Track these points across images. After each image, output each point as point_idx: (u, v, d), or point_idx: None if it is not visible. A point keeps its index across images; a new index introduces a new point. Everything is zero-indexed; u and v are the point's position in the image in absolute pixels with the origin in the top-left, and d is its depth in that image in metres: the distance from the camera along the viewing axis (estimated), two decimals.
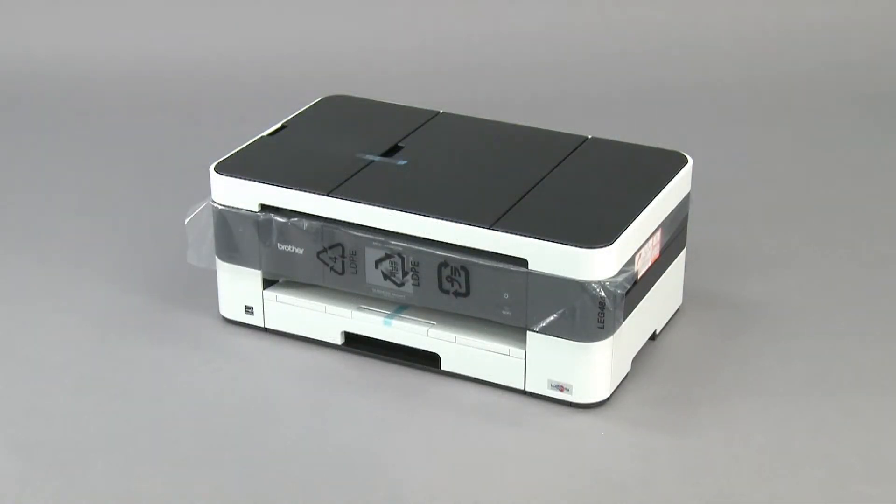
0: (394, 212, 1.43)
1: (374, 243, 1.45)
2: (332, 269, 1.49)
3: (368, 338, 1.52)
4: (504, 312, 1.42)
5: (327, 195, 1.47)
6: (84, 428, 1.41)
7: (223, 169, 1.53)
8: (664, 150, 1.58)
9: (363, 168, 1.52)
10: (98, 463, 1.36)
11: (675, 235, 1.53)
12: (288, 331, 1.56)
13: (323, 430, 1.41)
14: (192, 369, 1.51)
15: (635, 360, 1.50)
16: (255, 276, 1.54)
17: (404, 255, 1.44)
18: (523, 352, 1.44)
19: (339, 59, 2.31)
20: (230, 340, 1.56)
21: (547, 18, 2.38)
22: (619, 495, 1.32)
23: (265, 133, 1.61)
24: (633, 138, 1.68)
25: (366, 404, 1.45)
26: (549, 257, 1.38)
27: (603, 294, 1.37)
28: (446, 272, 1.43)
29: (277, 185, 1.49)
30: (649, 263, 1.47)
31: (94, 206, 1.88)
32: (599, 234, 1.38)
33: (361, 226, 1.46)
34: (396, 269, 1.45)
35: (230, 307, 1.58)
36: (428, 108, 1.69)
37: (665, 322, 1.57)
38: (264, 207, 1.50)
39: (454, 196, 1.46)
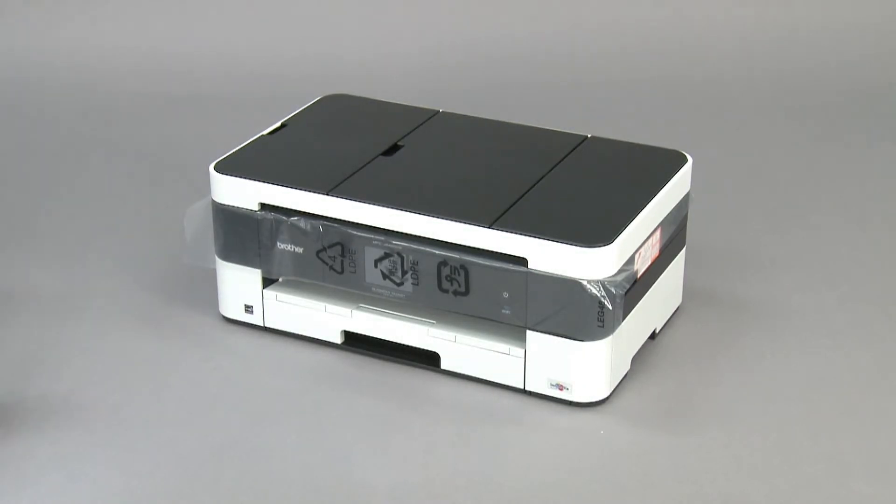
0: (393, 211, 1.43)
1: (374, 242, 1.45)
2: (331, 268, 1.49)
3: (368, 337, 1.52)
4: (504, 311, 1.42)
5: (327, 194, 1.46)
6: (83, 425, 1.41)
7: (223, 168, 1.53)
8: (664, 149, 1.58)
9: (363, 167, 1.52)
10: (96, 460, 1.36)
11: (674, 234, 1.53)
12: (288, 330, 1.56)
13: (322, 428, 1.41)
14: (191, 368, 1.51)
15: (635, 359, 1.50)
16: (254, 275, 1.54)
17: (404, 255, 1.44)
18: (523, 351, 1.44)
19: (339, 59, 2.31)
20: (230, 339, 1.56)
21: (546, 18, 2.38)
22: (618, 494, 1.32)
23: (265, 132, 1.61)
24: (633, 137, 1.67)
25: (366, 403, 1.45)
26: (548, 256, 1.38)
27: (602, 293, 1.37)
28: (446, 271, 1.43)
29: (277, 185, 1.49)
30: (649, 262, 1.47)
31: (94, 204, 1.88)
32: (599, 233, 1.38)
33: (361, 225, 1.46)
34: (396, 269, 1.45)
35: (230, 306, 1.58)
36: (427, 108, 1.69)
37: (665, 321, 1.57)
38: (264, 206, 1.50)
39: (453, 195, 1.46)
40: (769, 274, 1.69)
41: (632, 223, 1.41)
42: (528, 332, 1.42)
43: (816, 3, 2.39)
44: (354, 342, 1.53)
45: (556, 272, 1.38)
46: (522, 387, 1.45)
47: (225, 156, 1.56)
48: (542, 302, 1.39)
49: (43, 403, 1.45)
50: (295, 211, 1.49)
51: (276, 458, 1.36)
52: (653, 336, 1.55)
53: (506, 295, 1.41)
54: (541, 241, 1.38)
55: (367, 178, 1.50)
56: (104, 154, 2.04)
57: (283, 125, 1.63)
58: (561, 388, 1.43)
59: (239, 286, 1.56)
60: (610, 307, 1.37)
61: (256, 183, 1.50)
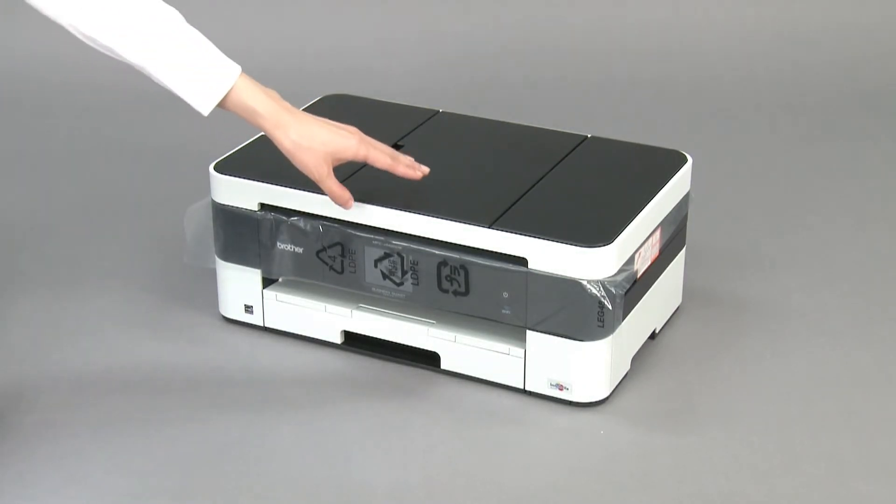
0: (393, 211, 1.43)
1: (374, 242, 1.45)
2: (331, 268, 1.49)
3: (368, 337, 1.52)
4: (504, 311, 1.42)
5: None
6: (83, 425, 1.41)
7: (223, 168, 1.53)
8: (664, 149, 1.58)
9: (363, 167, 1.52)
10: (96, 460, 1.36)
11: (674, 234, 1.53)
12: (287, 330, 1.56)
13: (322, 428, 1.41)
14: (191, 368, 1.51)
15: (635, 359, 1.50)
16: (254, 276, 1.54)
17: (403, 255, 1.44)
18: (523, 351, 1.44)
19: (339, 59, 2.31)
20: (230, 339, 1.56)
21: (546, 18, 2.38)
22: (619, 494, 1.32)
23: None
24: (633, 137, 1.68)
25: (366, 404, 1.45)
26: (548, 256, 1.38)
27: (602, 293, 1.37)
28: (445, 271, 1.43)
29: (277, 185, 1.49)
30: (649, 262, 1.47)
31: (95, 205, 1.87)
32: (599, 233, 1.38)
33: (361, 225, 1.46)
34: (396, 269, 1.45)
35: (230, 306, 1.58)
36: (427, 108, 1.69)
37: (665, 321, 1.57)
38: (264, 206, 1.50)
39: (453, 195, 1.46)
40: (769, 274, 1.69)
41: (632, 223, 1.41)
42: (528, 332, 1.42)
43: (816, 3, 2.39)
44: (354, 342, 1.53)
45: (556, 272, 1.38)
46: (522, 387, 1.45)
47: (225, 156, 1.56)
48: (542, 302, 1.39)
49: (43, 403, 1.45)
50: (295, 211, 1.49)
51: (276, 458, 1.36)
52: (653, 336, 1.55)
53: (506, 295, 1.41)
54: (541, 241, 1.38)
55: (367, 178, 1.50)
56: (104, 153, 2.04)
57: None
58: (561, 388, 1.43)
59: (239, 286, 1.56)
60: (610, 307, 1.37)
61: (256, 183, 1.50)
